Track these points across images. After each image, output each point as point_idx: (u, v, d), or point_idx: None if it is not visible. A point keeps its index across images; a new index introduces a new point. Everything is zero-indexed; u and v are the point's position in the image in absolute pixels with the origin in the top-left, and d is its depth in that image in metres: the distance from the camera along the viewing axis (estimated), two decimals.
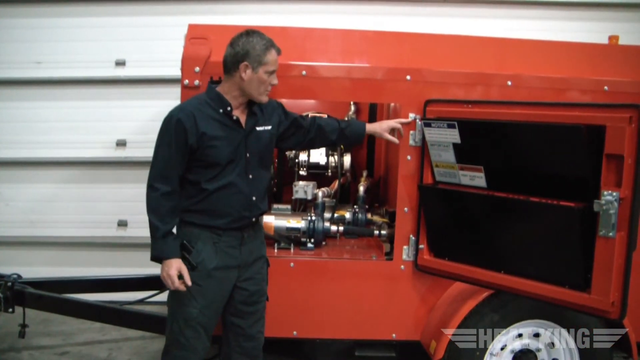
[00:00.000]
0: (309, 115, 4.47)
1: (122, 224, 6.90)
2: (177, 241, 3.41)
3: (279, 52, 3.47)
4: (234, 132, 3.45)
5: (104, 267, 6.59)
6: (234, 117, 3.45)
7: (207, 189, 3.41)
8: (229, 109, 3.44)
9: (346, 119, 5.51)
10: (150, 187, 3.37)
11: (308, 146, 4.21)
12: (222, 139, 3.40)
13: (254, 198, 3.54)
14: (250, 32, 3.42)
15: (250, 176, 3.52)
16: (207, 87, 3.56)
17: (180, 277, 3.35)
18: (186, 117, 3.33)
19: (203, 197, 3.43)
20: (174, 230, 3.42)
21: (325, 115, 5.23)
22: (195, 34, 4.11)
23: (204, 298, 3.46)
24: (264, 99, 3.50)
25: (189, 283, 3.36)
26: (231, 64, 3.41)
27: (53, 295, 4.89)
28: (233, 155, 3.43)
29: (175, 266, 3.34)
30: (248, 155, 3.49)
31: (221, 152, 3.39)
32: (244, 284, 3.59)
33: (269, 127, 3.64)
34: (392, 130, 4.06)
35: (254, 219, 3.60)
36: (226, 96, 3.45)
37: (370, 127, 4.08)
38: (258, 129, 3.57)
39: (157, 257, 3.39)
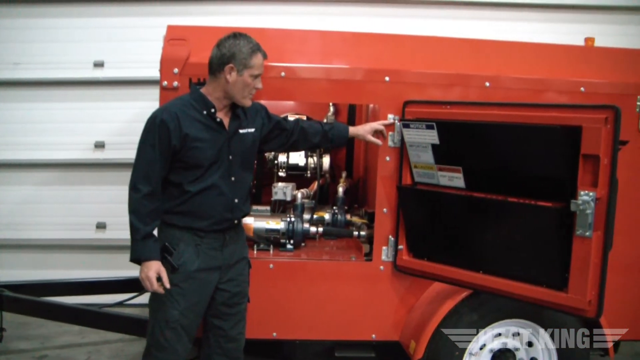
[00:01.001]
0: (288, 117, 4.49)
1: (101, 226, 6.86)
2: (157, 243, 3.39)
3: (265, 56, 3.48)
4: (217, 134, 3.44)
5: (82, 270, 6.57)
6: (218, 119, 3.45)
7: (189, 191, 3.41)
8: (212, 110, 3.44)
9: (325, 120, 5.52)
10: (133, 188, 3.34)
11: (291, 149, 4.21)
12: (205, 141, 3.39)
13: (236, 200, 3.54)
14: (237, 35, 3.42)
15: (233, 178, 3.52)
16: (191, 88, 3.56)
17: (159, 279, 3.34)
18: (170, 118, 3.32)
19: (185, 199, 3.42)
20: (155, 232, 3.40)
21: (305, 117, 5.25)
22: (174, 35, 4.10)
23: (186, 300, 3.45)
24: (247, 102, 3.50)
25: (168, 285, 3.35)
26: (217, 66, 3.40)
27: (31, 298, 4.87)
28: (216, 157, 3.43)
29: (154, 268, 3.32)
30: (231, 157, 3.50)
31: (204, 154, 3.39)
32: (225, 285, 3.59)
33: (252, 130, 3.64)
34: (375, 132, 4.08)
35: (236, 221, 3.61)
36: (210, 97, 3.45)
37: (354, 130, 4.10)
38: (241, 131, 3.57)
39: (136, 259, 3.37)
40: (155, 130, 3.32)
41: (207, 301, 3.57)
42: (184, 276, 3.42)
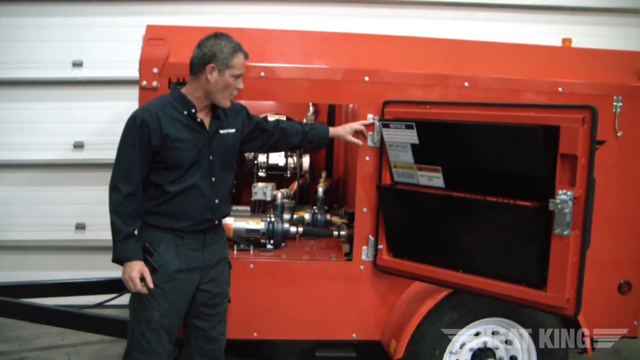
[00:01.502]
0: (268, 117, 4.48)
1: (80, 226, 6.82)
2: (139, 243, 3.38)
3: (246, 56, 3.48)
4: (197, 134, 3.44)
5: (62, 271, 6.52)
6: (198, 120, 3.45)
7: (169, 192, 3.40)
8: (193, 110, 3.43)
9: (305, 120, 5.53)
10: (114, 189, 3.33)
11: (272, 149, 4.20)
12: (186, 141, 3.39)
13: (216, 201, 3.54)
14: (219, 35, 3.42)
15: (213, 179, 3.52)
16: (172, 88, 3.55)
17: (142, 279, 3.33)
18: (150, 118, 3.32)
19: (166, 200, 3.41)
20: (137, 232, 3.39)
21: (285, 117, 5.25)
22: (153, 34, 4.08)
23: (166, 301, 3.44)
24: (227, 103, 3.49)
25: (151, 285, 3.34)
26: (198, 66, 3.40)
27: (9, 300, 4.82)
28: (196, 157, 3.42)
29: (137, 268, 3.32)
30: (211, 158, 3.49)
31: (184, 154, 3.38)
32: (206, 286, 3.58)
33: (233, 130, 3.64)
34: (355, 132, 4.09)
35: (216, 222, 3.60)
36: (190, 97, 3.44)
37: (334, 131, 4.11)
38: (222, 132, 3.56)
39: (118, 259, 3.36)
40: (136, 130, 3.31)
41: (188, 302, 3.56)
42: (164, 277, 3.40)
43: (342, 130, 4.09)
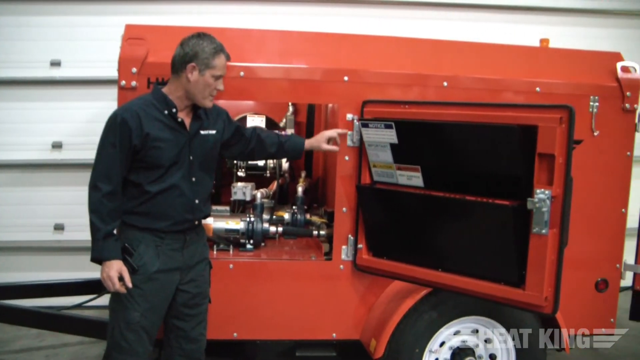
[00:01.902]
0: (247, 117, 4.47)
1: (59, 227, 6.78)
2: (118, 243, 3.36)
3: (228, 57, 3.48)
4: (178, 134, 3.43)
5: (40, 272, 6.48)
6: (179, 119, 3.44)
7: (149, 191, 3.38)
8: (174, 110, 3.42)
9: (284, 120, 5.54)
10: (93, 187, 3.31)
11: (249, 157, 4.21)
12: (166, 141, 3.38)
13: (196, 201, 3.53)
14: (201, 35, 3.42)
15: (194, 179, 3.51)
16: (153, 87, 3.54)
17: (121, 279, 3.31)
18: (131, 117, 3.30)
19: (145, 200, 3.40)
20: (116, 231, 3.37)
21: (264, 117, 5.25)
22: (132, 34, 4.06)
23: (146, 301, 3.42)
24: (208, 103, 3.49)
25: (130, 285, 3.32)
26: (179, 64, 3.40)
27: None
28: (176, 157, 3.41)
29: (116, 268, 3.29)
30: (191, 158, 3.48)
31: (164, 154, 3.37)
32: (186, 286, 3.57)
33: (214, 132, 3.63)
34: (330, 140, 4.08)
35: (196, 222, 3.59)
36: (171, 97, 3.43)
37: (309, 143, 4.10)
38: (202, 132, 3.56)
39: (97, 258, 3.34)
40: (116, 129, 3.29)
41: (168, 302, 3.54)
42: (144, 277, 3.39)
43: (316, 141, 4.07)
